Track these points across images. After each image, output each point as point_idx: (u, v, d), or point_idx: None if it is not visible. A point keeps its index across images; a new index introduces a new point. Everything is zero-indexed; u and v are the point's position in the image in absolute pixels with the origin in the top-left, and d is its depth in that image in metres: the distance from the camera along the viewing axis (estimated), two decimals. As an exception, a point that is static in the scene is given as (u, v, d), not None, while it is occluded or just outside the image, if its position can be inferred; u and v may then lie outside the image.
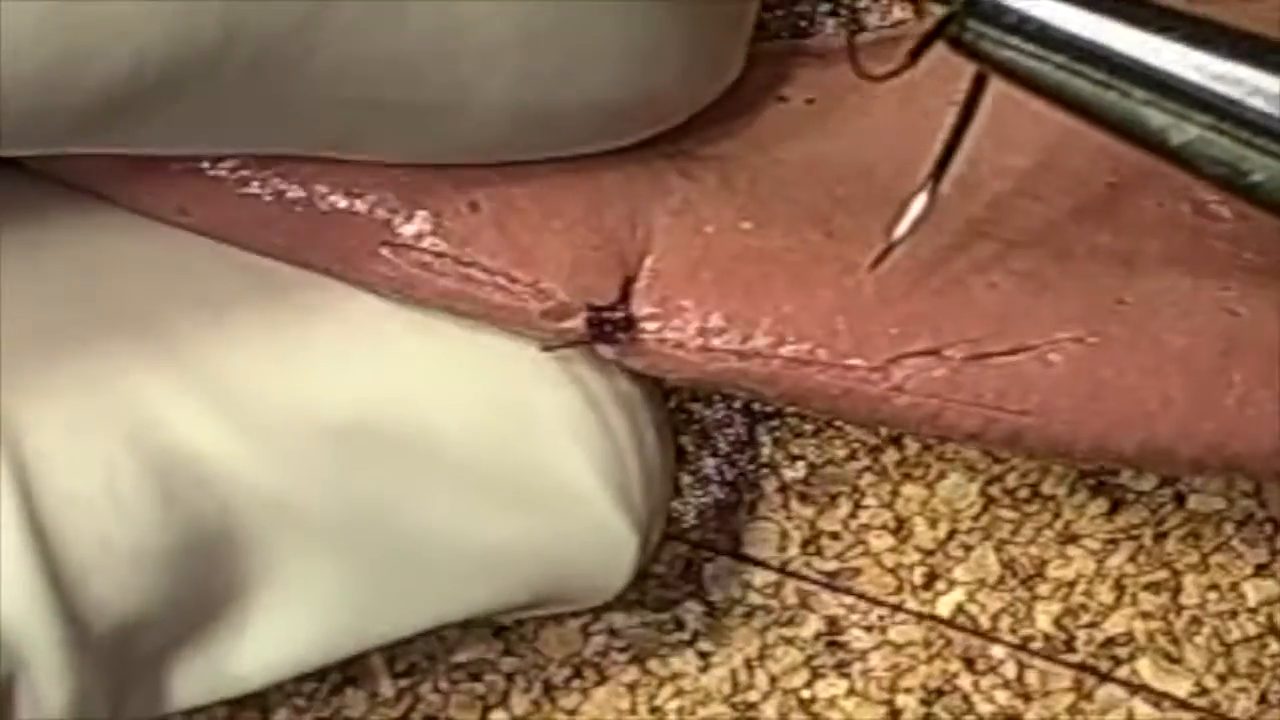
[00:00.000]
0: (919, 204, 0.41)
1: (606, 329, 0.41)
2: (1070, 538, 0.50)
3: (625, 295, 0.41)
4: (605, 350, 0.42)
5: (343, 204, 0.41)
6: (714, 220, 0.42)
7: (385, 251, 0.41)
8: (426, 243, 0.41)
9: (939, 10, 0.37)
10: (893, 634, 0.50)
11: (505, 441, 0.43)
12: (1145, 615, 0.49)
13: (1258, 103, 0.36)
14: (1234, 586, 0.49)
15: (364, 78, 0.38)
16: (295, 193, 0.41)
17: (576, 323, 0.41)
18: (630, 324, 0.41)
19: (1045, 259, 0.42)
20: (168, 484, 0.41)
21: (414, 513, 0.43)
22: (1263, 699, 0.49)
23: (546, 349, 0.42)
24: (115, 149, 0.38)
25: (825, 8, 0.49)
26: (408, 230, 0.41)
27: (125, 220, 0.42)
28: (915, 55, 0.39)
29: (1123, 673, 0.49)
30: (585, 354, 0.43)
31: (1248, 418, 0.41)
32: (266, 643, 0.43)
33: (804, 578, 0.50)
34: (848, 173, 0.43)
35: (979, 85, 0.40)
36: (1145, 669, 0.49)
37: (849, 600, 0.50)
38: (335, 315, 0.43)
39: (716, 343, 0.41)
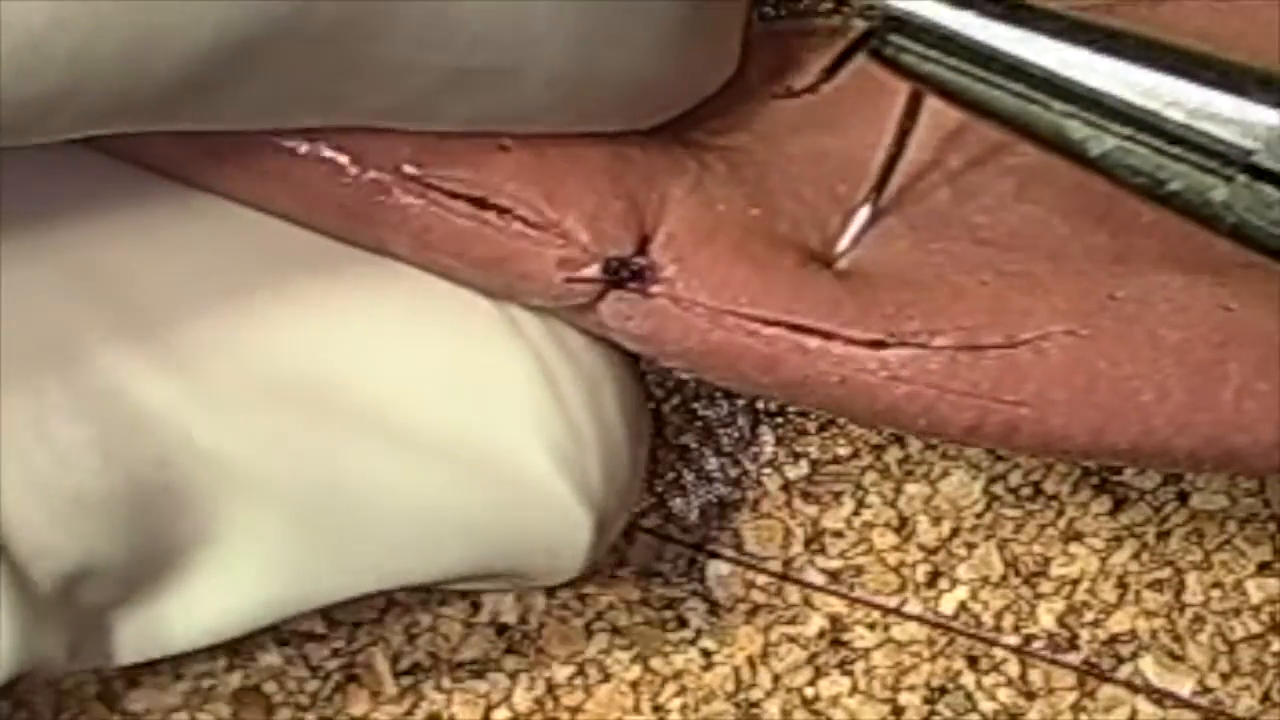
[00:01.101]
0: (862, 216, 0.42)
1: (624, 274, 0.41)
2: (1073, 536, 0.50)
3: (642, 251, 0.41)
4: (613, 309, 0.42)
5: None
6: (725, 201, 0.42)
7: (406, 193, 0.41)
8: (450, 182, 0.41)
9: (860, 25, 0.38)
10: (895, 632, 0.50)
11: (454, 410, 0.43)
12: (1148, 613, 0.49)
13: (1174, 114, 0.37)
14: (1237, 585, 0.49)
15: (437, 42, 0.38)
16: (314, 145, 0.41)
17: (592, 272, 0.41)
18: (651, 270, 0.41)
19: (1038, 259, 0.42)
20: (104, 430, 0.41)
21: (359, 475, 0.42)
22: (1266, 697, 0.49)
23: (568, 281, 0.41)
24: (187, 127, 0.38)
25: (827, 5, 0.49)
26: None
27: (88, 171, 0.42)
28: (832, 70, 0.39)
29: (1126, 671, 0.49)
30: (547, 331, 0.43)
31: (1246, 410, 0.41)
32: (210, 600, 0.43)
33: (806, 583, 0.50)
34: (849, 170, 0.43)
35: (915, 100, 0.40)
36: (1148, 667, 0.49)
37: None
38: (288, 275, 0.42)
39: (728, 305, 0.41)
